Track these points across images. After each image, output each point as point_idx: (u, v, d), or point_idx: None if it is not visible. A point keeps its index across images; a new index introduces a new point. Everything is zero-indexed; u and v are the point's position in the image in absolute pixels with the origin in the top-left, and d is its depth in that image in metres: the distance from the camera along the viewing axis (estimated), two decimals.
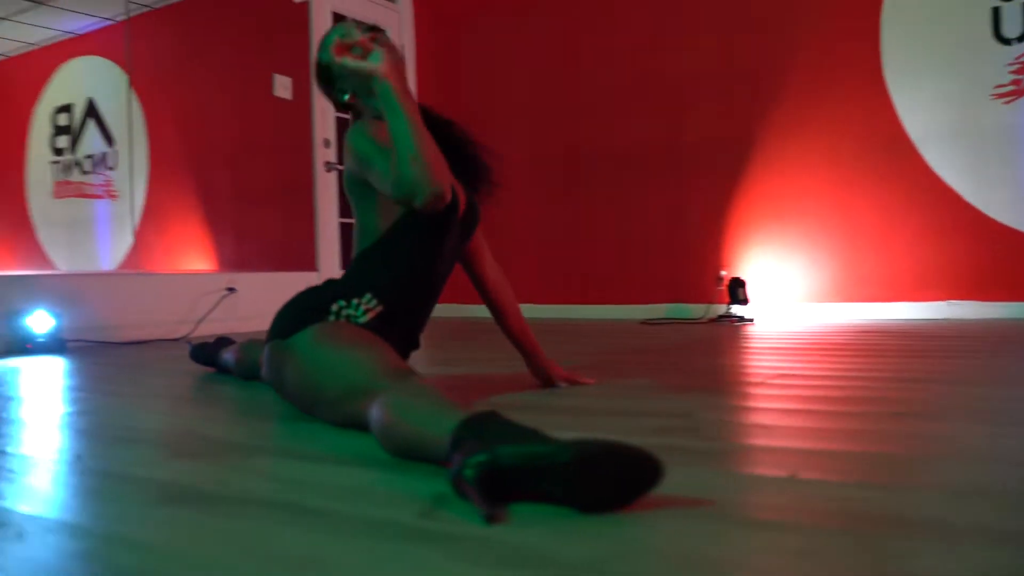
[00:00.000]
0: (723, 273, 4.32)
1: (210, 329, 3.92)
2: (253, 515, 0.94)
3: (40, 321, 3.15)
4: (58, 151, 6.56)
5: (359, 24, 1.66)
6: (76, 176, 6.45)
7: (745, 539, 0.82)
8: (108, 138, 6.21)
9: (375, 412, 1.20)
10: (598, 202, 4.84)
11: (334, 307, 1.55)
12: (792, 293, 4.23)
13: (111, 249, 6.22)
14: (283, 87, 4.64)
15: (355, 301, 1.56)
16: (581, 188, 4.90)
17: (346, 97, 1.68)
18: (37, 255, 6.65)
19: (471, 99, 5.33)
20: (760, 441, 1.29)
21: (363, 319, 1.55)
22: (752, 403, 1.64)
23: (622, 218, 4.75)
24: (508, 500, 0.92)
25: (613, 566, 0.74)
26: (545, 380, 1.91)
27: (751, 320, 4.02)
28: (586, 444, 0.89)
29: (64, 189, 6.55)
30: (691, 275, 4.48)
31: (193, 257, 5.56)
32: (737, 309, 4.11)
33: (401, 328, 1.64)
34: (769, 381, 1.92)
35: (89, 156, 6.35)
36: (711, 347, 2.80)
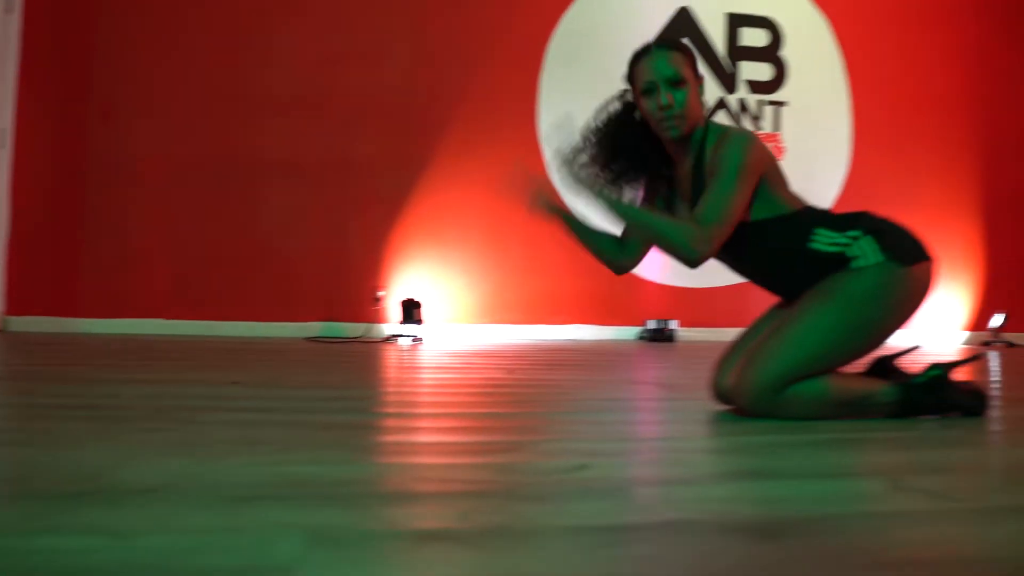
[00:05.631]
0: (380, 293, 4.69)
1: None
2: None
3: None
4: None
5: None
6: None
7: None
8: None
9: None
10: (256, 213, 4.69)
11: None
12: (457, 314, 4.83)
13: None
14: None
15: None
16: (237, 198, 4.68)
17: None
18: None
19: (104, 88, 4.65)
20: None
21: None
22: None
23: (283, 232, 4.71)
24: None
25: None
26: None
27: (421, 340, 4.45)
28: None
29: None
30: (348, 294, 4.72)
31: None
32: (411, 329, 4.47)
33: None
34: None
35: None
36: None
